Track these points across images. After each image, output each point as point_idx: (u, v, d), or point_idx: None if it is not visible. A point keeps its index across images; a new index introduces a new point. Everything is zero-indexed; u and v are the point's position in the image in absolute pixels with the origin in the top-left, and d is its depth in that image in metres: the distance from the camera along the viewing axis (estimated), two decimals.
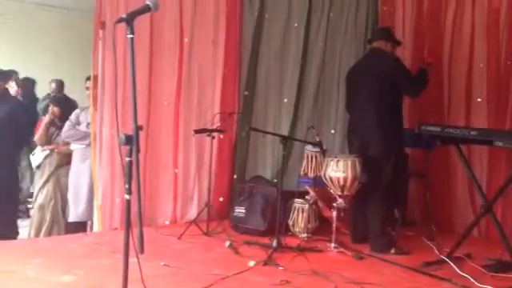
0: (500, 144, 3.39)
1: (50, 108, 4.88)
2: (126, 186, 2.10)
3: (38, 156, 4.80)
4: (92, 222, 4.50)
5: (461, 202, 4.73)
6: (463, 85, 4.77)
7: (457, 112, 4.81)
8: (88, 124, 4.57)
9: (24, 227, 4.87)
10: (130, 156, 2.14)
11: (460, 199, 4.75)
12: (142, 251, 2.07)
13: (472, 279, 3.21)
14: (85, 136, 4.56)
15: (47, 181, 4.72)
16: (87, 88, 4.68)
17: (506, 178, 3.69)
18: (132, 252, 2.10)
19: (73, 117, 4.68)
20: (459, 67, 4.81)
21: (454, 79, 4.86)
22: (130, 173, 2.13)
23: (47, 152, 4.79)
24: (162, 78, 4.75)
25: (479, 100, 4.64)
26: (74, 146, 4.65)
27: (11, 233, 4.60)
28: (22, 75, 6.11)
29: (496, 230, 3.52)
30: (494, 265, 3.52)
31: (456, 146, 3.76)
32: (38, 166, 4.82)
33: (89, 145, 4.51)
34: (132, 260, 2.15)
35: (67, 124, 4.64)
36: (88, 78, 4.67)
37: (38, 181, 4.84)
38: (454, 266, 3.43)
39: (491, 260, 3.62)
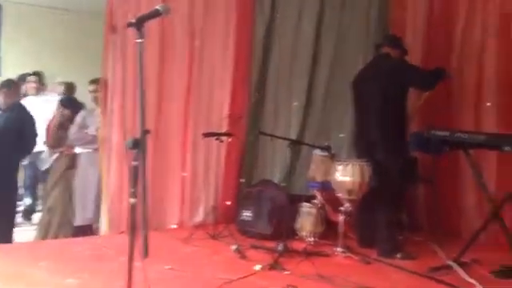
0: (508, 149, 3.37)
1: (61, 110, 4.91)
2: (132, 190, 2.12)
3: (46, 159, 4.84)
4: (98, 225, 4.54)
5: (469, 208, 4.69)
6: (473, 89, 4.74)
7: (466, 116, 4.78)
8: (97, 128, 4.60)
9: None
10: (137, 160, 2.15)
11: (468, 204, 4.71)
12: (147, 255, 2.08)
13: (479, 285, 3.18)
14: (93, 140, 4.60)
15: (56, 184, 4.76)
16: (90, 91, 4.71)
17: None
18: (137, 255, 2.12)
19: (79, 119, 4.70)
20: (469, 72, 4.78)
21: (464, 83, 4.83)
22: (135, 177, 2.14)
23: (57, 155, 4.83)
24: (172, 81, 4.78)
25: (488, 104, 4.61)
26: (79, 150, 4.68)
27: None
28: None
29: (504, 234, 3.48)
30: (502, 270, 3.49)
31: (464, 151, 3.74)
32: (47, 170, 4.86)
33: (97, 149, 4.54)
34: (137, 264, 2.16)
35: (74, 127, 4.67)
36: (91, 82, 4.70)
37: (47, 184, 4.88)
38: (461, 271, 3.41)
39: (500, 266, 3.58)
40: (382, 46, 4.36)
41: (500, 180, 4.43)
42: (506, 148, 3.37)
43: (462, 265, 3.54)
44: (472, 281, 3.27)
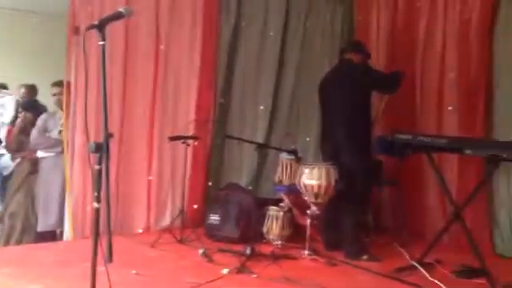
0: (469, 152, 3.45)
1: (22, 114, 4.77)
2: (95, 194, 2.08)
3: (8, 164, 4.70)
4: (62, 231, 4.43)
5: (432, 209, 4.81)
6: (435, 94, 4.87)
7: (428, 121, 4.90)
8: (60, 131, 4.49)
9: None
10: (100, 163, 2.11)
11: (432, 206, 4.82)
12: (111, 260, 2.05)
13: (442, 285, 3.25)
14: (55, 143, 4.48)
15: (18, 189, 4.63)
16: (53, 94, 4.61)
17: (476, 185, 3.77)
18: (102, 260, 2.08)
19: (40, 123, 4.56)
20: (431, 77, 4.90)
21: (426, 88, 4.95)
22: (99, 181, 2.10)
23: (19, 160, 4.70)
24: (137, 85, 4.74)
25: (450, 108, 4.74)
26: (41, 154, 4.55)
27: None
28: None
29: (465, 236, 3.57)
30: (464, 270, 3.58)
31: (427, 154, 3.82)
32: (10, 174, 4.71)
33: (60, 152, 4.44)
34: (101, 269, 2.12)
35: (35, 131, 4.54)
36: (54, 84, 4.59)
37: (9, 189, 4.73)
38: (424, 272, 3.49)
39: (462, 266, 3.68)
40: (345, 51, 4.43)
41: (461, 182, 4.56)
42: (467, 151, 3.45)
43: (425, 265, 3.62)
44: (434, 281, 3.34)
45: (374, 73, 4.34)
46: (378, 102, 4.67)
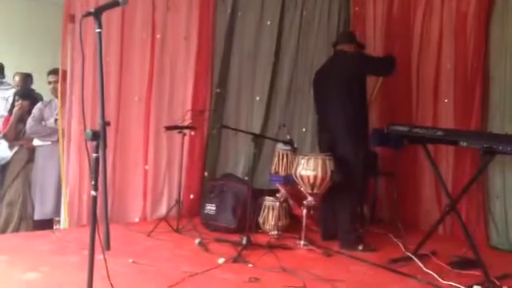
0: (465, 144, 3.47)
1: (19, 102, 4.74)
2: (93, 183, 2.07)
3: (5, 152, 4.67)
4: (59, 220, 4.43)
5: (427, 201, 4.84)
6: (431, 86, 4.87)
7: (425, 112, 4.91)
8: (56, 120, 4.48)
9: None
10: (97, 152, 2.10)
11: (427, 198, 4.85)
12: (108, 248, 2.05)
13: (436, 276, 3.28)
14: (52, 132, 4.46)
15: (16, 177, 4.61)
16: (49, 82, 4.58)
17: (471, 177, 3.79)
18: (99, 249, 2.08)
19: (36, 112, 4.53)
20: (427, 69, 4.91)
21: (423, 81, 4.96)
22: (96, 169, 2.09)
23: (16, 148, 4.68)
24: (134, 73, 4.72)
25: (446, 101, 4.75)
26: (37, 142, 4.53)
27: None
28: None
29: (460, 227, 3.60)
30: (459, 262, 3.61)
31: (423, 146, 3.83)
32: (7, 163, 4.69)
33: (56, 141, 4.42)
34: (99, 257, 2.13)
35: (31, 119, 4.51)
36: (50, 72, 4.57)
37: (7, 178, 4.71)
38: (419, 263, 3.51)
39: (456, 257, 3.71)
40: (338, 43, 4.41)
41: (456, 174, 4.58)
42: (462, 143, 3.47)
43: (420, 256, 3.65)
44: (429, 272, 3.37)
45: (368, 57, 4.35)
46: (373, 83, 4.66)
